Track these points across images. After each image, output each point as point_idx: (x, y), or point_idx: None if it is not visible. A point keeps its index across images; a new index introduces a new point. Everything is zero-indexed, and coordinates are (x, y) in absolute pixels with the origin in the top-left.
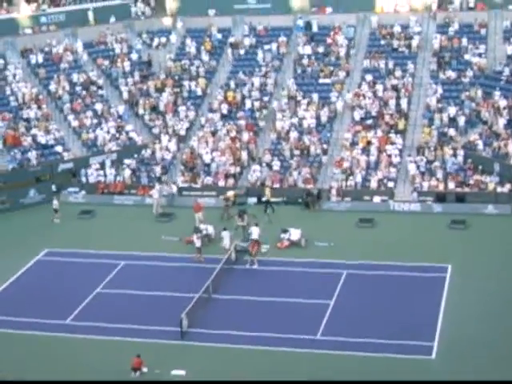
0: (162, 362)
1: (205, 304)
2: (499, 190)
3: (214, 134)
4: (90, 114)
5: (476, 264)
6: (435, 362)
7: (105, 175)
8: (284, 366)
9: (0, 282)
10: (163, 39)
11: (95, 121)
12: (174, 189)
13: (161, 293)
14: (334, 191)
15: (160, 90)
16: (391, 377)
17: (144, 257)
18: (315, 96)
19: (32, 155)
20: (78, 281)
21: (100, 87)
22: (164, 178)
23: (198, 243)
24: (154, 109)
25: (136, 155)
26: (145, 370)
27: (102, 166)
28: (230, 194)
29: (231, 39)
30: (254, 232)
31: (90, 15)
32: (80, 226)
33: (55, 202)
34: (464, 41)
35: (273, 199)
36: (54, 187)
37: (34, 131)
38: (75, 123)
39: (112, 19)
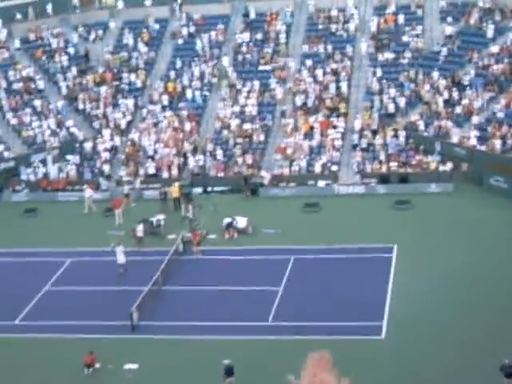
0: (115, 356)
1: (155, 296)
2: (441, 168)
3: (155, 125)
4: (28, 110)
5: (421, 243)
6: (385, 341)
7: (47, 172)
8: (237, 354)
9: None
10: (100, 32)
11: (34, 117)
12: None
13: (110, 288)
14: (266, 180)
15: (99, 84)
16: (343, 358)
17: (91, 253)
18: (255, 83)
19: None
20: (26, 280)
21: (37, 83)
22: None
23: (140, 233)
24: (95, 103)
25: (78, 150)
26: (97, 365)
27: (44, 162)
28: (176, 185)
29: (169, 29)
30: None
31: (30, 11)
32: (25, 225)
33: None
34: (401, 22)
35: (217, 188)
36: None
37: None
38: (14, 121)
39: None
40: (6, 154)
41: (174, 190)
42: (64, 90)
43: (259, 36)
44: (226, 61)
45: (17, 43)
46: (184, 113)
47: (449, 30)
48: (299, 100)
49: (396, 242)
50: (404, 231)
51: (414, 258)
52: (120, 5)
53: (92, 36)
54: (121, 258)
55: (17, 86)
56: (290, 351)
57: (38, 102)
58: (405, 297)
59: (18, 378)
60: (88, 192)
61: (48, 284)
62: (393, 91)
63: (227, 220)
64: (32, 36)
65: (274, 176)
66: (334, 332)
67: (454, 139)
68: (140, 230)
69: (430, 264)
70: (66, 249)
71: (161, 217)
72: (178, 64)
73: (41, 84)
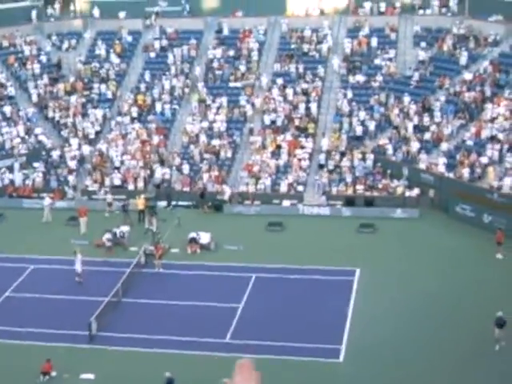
0: (71, 365)
1: (114, 308)
2: (407, 194)
3: (123, 137)
4: None
5: (384, 268)
6: (343, 364)
7: (13, 178)
8: (193, 370)
9: None
10: (73, 41)
11: (4, 123)
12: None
13: (70, 297)
14: (226, 196)
15: (70, 93)
16: (299, 380)
17: (53, 260)
18: (224, 100)
19: None
20: None
21: (8, 89)
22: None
23: (108, 242)
24: (64, 111)
25: (45, 158)
26: (54, 374)
27: (11, 169)
28: (141, 197)
29: (142, 42)
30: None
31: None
32: None
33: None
34: (374, 45)
35: (182, 202)
36: None
37: None
38: None
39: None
40: None
41: (140, 203)
42: (34, 98)
43: (231, 53)
44: (197, 76)
45: None
46: (152, 126)
47: (422, 55)
48: (268, 118)
49: (359, 266)
50: (367, 255)
51: (376, 283)
52: (96, 13)
53: (65, 45)
54: (77, 267)
55: None
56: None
57: (7, 109)
58: (365, 321)
59: None
60: (47, 200)
61: (9, 290)
62: (362, 114)
63: (192, 234)
64: (5, 42)
65: (237, 193)
66: (292, 353)
67: (422, 165)
68: (108, 239)
69: (391, 289)
70: (28, 255)
71: (125, 228)
72: (149, 77)
73: (12, 90)
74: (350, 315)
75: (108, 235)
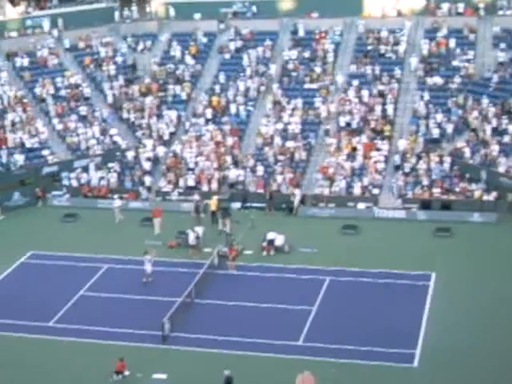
0: (144, 365)
1: (187, 308)
2: (485, 197)
3: (198, 138)
4: (74, 117)
5: (460, 272)
6: (417, 370)
7: (89, 179)
8: (265, 372)
9: None
10: (148, 43)
11: (80, 124)
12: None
13: (143, 297)
14: (296, 199)
15: (145, 94)
16: None
17: (127, 260)
18: (299, 101)
19: (17, 158)
20: (62, 283)
21: (84, 90)
22: (148, 183)
23: (193, 242)
24: (139, 113)
25: (120, 159)
26: (127, 373)
27: (86, 169)
28: (214, 199)
29: (217, 43)
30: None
31: (60, 21)
32: (64, 229)
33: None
34: (452, 46)
35: (255, 204)
36: (38, 191)
37: (19, 134)
38: (60, 126)
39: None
40: (50, 158)
41: (212, 204)
42: (110, 99)
43: (307, 54)
44: (272, 77)
45: (66, 44)
46: (227, 127)
47: (501, 56)
48: (343, 120)
49: (434, 270)
50: (443, 259)
51: (452, 287)
52: (172, 12)
53: (140, 46)
54: (147, 267)
55: (64, 92)
56: (318, 373)
57: (83, 109)
58: (440, 326)
59: (47, 378)
60: (117, 203)
61: (83, 289)
62: (440, 116)
63: (270, 236)
64: (81, 44)
65: (311, 195)
66: (365, 357)
67: (501, 168)
68: (192, 238)
69: (468, 294)
70: (102, 255)
71: (199, 229)
72: (224, 78)
73: (87, 91)
74: (425, 320)
75: (192, 234)
